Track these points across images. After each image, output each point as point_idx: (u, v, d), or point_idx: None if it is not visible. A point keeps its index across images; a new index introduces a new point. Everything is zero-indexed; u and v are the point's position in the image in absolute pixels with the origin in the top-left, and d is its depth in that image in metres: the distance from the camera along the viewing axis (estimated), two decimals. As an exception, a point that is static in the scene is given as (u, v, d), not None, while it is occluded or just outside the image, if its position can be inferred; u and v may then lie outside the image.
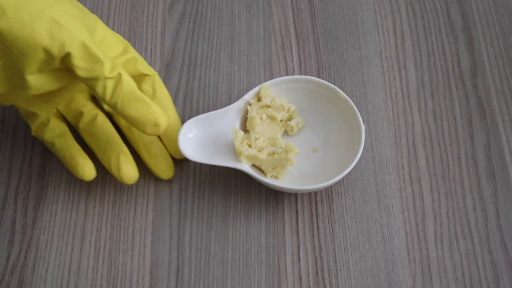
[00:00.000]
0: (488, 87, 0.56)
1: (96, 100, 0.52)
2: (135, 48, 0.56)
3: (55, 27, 0.41)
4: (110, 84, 0.42)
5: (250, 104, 0.51)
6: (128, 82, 0.43)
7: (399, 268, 0.49)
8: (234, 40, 0.58)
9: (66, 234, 0.49)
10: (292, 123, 0.52)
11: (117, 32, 0.53)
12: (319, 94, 0.52)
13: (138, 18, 0.59)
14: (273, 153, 0.49)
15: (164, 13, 0.59)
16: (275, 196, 0.51)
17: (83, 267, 0.48)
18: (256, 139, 0.49)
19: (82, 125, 0.50)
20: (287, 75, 0.56)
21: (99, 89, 0.43)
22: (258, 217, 0.50)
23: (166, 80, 0.55)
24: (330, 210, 0.51)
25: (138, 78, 0.50)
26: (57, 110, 0.51)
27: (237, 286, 0.48)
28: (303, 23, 0.59)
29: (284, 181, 0.50)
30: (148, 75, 0.50)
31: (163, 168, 0.51)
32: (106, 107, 0.51)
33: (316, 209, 0.51)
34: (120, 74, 0.43)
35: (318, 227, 0.50)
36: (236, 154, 0.49)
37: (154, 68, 0.56)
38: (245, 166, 0.49)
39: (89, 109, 0.50)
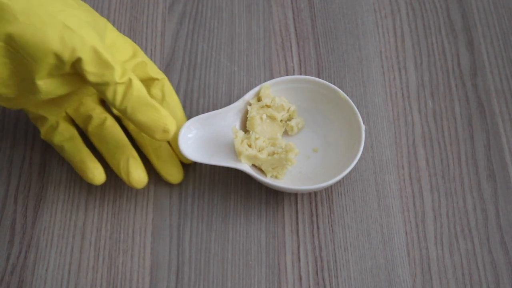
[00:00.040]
0: (488, 87, 0.56)
1: (105, 103, 0.52)
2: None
3: (66, 32, 0.40)
4: (120, 90, 0.42)
5: (250, 104, 0.51)
6: (138, 88, 0.43)
7: (399, 268, 0.49)
8: (234, 40, 0.58)
9: (66, 234, 0.49)
10: (292, 123, 0.52)
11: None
12: (319, 94, 0.52)
13: (138, 18, 0.59)
14: (273, 153, 0.49)
15: (164, 13, 0.59)
16: (275, 196, 0.51)
17: (83, 267, 0.48)
18: (256, 139, 0.49)
19: (91, 128, 0.50)
20: (287, 75, 0.56)
21: (109, 94, 0.42)
22: (258, 217, 0.50)
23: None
24: (330, 210, 0.51)
25: (148, 82, 0.50)
26: (66, 113, 0.50)
27: (237, 286, 0.48)
28: (303, 23, 0.59)
29: (284, 181, 0.50)
30: (157, 79, 0.50)
31: (172, 172, 0.50)
32: (115, 111, 0.51)
33: (316, 209, 0.51)
34: (130, 80, 0.42)
35: (318, 227, 0.50)
36: (236, 154, 0.49)
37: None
38: (245, 166, 0.49)
39: (98, 112, 0.50)
